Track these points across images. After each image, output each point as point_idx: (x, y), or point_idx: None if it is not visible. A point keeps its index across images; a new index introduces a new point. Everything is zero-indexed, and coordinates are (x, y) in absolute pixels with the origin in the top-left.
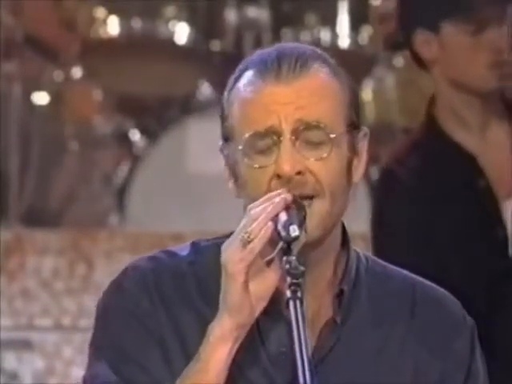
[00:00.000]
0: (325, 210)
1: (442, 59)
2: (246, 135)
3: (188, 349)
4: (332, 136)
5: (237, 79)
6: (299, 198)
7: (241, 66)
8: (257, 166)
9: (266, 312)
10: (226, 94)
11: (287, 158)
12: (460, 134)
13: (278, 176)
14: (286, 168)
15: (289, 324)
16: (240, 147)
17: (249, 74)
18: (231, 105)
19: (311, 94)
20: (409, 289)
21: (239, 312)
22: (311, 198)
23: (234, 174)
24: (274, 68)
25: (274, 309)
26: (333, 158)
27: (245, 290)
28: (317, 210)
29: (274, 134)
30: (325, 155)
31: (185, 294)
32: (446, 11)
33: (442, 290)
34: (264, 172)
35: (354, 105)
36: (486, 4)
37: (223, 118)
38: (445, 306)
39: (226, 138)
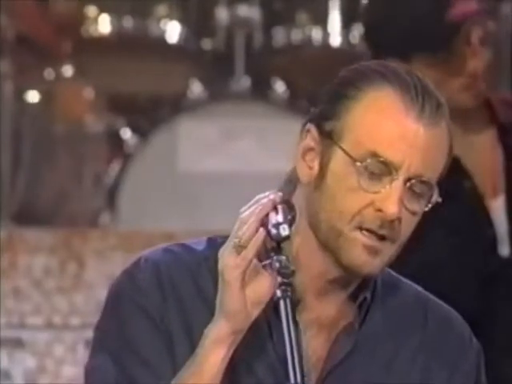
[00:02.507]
0: (390, 256)
1: None
2: (369, 160)
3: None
4: (434, 198)
5: (366, 85)
6: (377, 236)
7: (370, 73)
8: (362, 187)
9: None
10: (345, 89)
11: (397, 201)
12: None
13: (380, 210)
14: (394, 210)
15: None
16: (358, 164)
17: (389, 91)
18: (353, 108)
19: (436, 149)
20: (421, 305)
21: (236, 317)
22: (385, 239)
23: (315, 165)
24: (418, 104)
25: None
26: (421, 213)
27: (241, 296)
28: (385, 254)
29: (391, 167)
30: (421, 211)
31: (201, 290)
32: (417, 45)
33: (451, 310)
34: (363, 196)
35: (448, 155)
36: (456, 35)
37: (330, 110)
38: (454, 327)
39: (326, 132)
